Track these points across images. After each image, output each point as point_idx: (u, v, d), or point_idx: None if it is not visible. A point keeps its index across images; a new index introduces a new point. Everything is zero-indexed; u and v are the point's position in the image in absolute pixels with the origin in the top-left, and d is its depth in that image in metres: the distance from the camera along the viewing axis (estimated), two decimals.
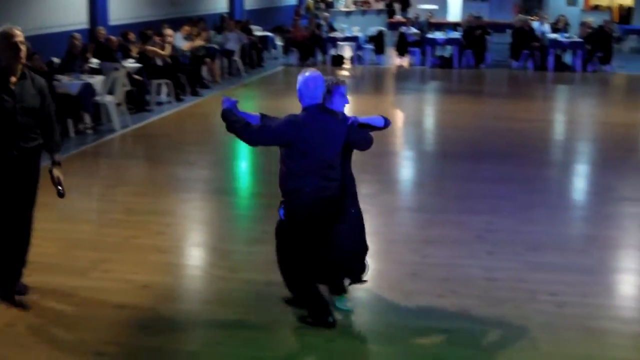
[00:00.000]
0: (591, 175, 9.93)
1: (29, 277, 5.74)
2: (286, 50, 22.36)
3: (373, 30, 22.50)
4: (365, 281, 5.60)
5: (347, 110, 5.39)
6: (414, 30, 21.70)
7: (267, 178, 9.57)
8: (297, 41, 21.31)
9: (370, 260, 5.66)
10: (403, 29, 21.81)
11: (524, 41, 20.24)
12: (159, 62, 14.38)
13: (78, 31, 13.23)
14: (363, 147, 5.36)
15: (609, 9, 30.16)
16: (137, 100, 13.61)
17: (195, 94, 15.52)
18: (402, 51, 21.46)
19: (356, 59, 21.39)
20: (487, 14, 26.40)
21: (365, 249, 5.54)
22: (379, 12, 30.08)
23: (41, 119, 5.44)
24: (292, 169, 5.01)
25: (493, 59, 20.80)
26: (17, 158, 5.30)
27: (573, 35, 20.57)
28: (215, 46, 17.99)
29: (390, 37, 23.57)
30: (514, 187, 8.92)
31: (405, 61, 21.18)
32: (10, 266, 5.50)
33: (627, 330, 5.32)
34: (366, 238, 5.56)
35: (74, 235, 7.13)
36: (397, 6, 32.09)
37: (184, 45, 16.36)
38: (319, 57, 21.39)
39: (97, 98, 11.70)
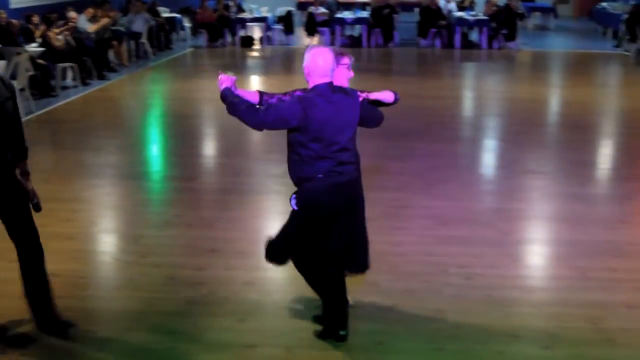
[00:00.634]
0: (498, 149, 10.17)
1: None
2: (194, 31, 22.12)
3: (282, 10, 22.48)
4: (367, 268, 5.32)
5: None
6: (322, 10, 21.75)
7: (178, 160, 9.50)
8: (205, 22, 21.10)
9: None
10: (312, 9, 21.83)
11: (431, 20, 20.59)
12: (61, 45, 14.02)
13: None
14: (372, 124, 4.94)
15: None
16: (42, 86, 13.24)
17: (102, 77, 15.21)
18: (311, 31, 21.49)
19: (265, 40, 21.33)
20: None
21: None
22: None
23: (13, 123, 4.79)
24: (303, 155, 4.50)
25: (401, 37, 21.08)
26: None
27: (479, 13, 21.04)
28: (122, 28, 17.65)
29: (299, 18, 23.57)
30: (423, 163, 9.07)
31: (314, 41, 21.18)
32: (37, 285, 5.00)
33: (531, 298, 5.50)
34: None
35: None
36: None
37: (90, 27, 15.97)
38: (228, 38, 21.25)
39: None
